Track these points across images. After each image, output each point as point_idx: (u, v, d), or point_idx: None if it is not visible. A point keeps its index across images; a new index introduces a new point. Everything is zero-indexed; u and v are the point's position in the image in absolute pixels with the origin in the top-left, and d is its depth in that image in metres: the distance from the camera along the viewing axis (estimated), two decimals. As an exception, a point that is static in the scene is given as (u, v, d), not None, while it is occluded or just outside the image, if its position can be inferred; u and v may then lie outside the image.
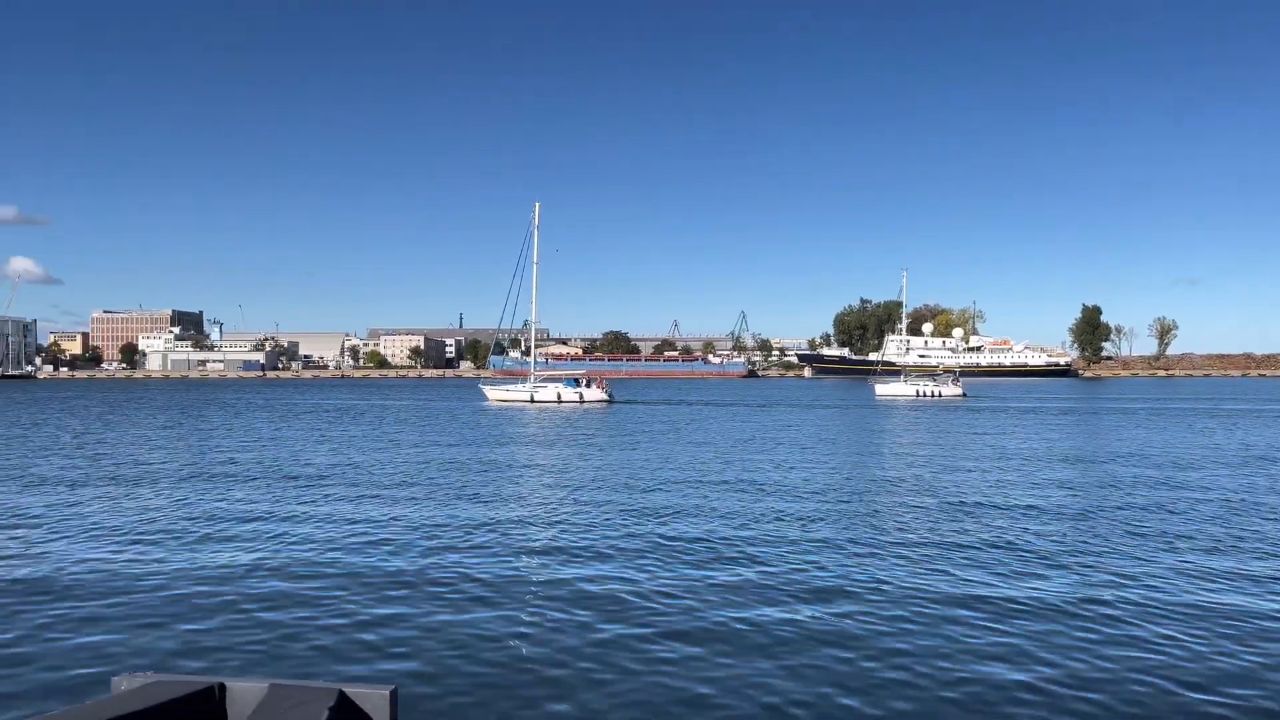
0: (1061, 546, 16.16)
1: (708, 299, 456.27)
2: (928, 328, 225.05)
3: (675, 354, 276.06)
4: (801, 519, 19.22)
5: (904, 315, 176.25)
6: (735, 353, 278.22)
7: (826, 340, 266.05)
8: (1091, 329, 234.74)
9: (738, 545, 16.20)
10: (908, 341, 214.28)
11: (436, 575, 13.99)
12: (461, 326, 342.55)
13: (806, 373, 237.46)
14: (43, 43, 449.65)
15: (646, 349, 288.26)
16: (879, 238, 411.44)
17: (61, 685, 9.15)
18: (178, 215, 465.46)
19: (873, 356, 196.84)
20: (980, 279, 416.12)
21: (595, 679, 9.42)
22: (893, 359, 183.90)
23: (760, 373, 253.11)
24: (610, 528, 18.06)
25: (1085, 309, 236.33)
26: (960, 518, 19.31)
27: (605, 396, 78.63)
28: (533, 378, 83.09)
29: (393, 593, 12.94)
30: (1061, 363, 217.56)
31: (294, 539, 17.01)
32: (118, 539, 17.10)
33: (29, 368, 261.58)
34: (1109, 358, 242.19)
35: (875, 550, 15.85)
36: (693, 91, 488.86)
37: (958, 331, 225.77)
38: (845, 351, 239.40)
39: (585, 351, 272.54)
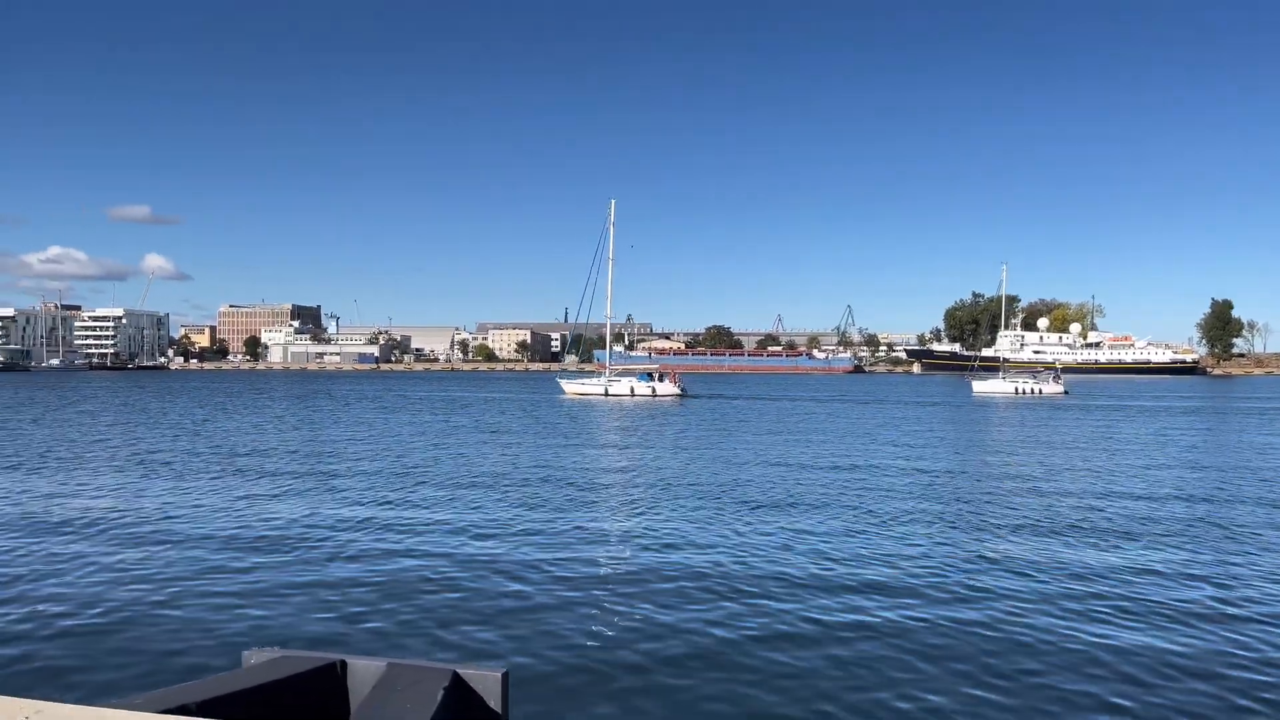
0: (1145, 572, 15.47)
1: (813, 293, 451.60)
2: (1043, 323, 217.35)
3: (779, 349, 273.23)
4: (833, 526, 18.90)
5: (1018, 310, 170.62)
6: (841, 348, 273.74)
7: (936, 336, 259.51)
8: (1222, 325, 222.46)
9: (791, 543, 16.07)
10: (1022, 337, 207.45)
11: (540, 561, 14.31)
12: (567, 321, 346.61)
13: (916, 369, 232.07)
14: (173, 49, 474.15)
15: (749, 344, 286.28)
16: (993, 232, 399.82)
17: (195, 659, 9.75)
18: (299, 214, 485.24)
19: (985, 352, 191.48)
20: (1101, 274, 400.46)
21: (703, 665, 9.51)
22: (1006, 355, 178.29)
23: (867, 369, 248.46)
24: (693, 516, 18.10)
25: (1215, 303, 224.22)
26: (1036, 536, 18.68)
27: (678, 390, 79.13)
28: (608, 372, 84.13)
29: (497, 576, 13.29)
30: (1188, 360, 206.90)
31: (400, 523, 17.61)
32: (237, 520, 18.03)
33: (162, 359, 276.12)
34: (1241, 355, 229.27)
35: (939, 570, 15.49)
36: (796, 86, 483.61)
37: (1075, 327, 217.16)
38: (956, 347, 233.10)
39: (688, 346, 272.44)
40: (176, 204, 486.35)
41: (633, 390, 78.59)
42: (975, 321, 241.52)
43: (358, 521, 18.12)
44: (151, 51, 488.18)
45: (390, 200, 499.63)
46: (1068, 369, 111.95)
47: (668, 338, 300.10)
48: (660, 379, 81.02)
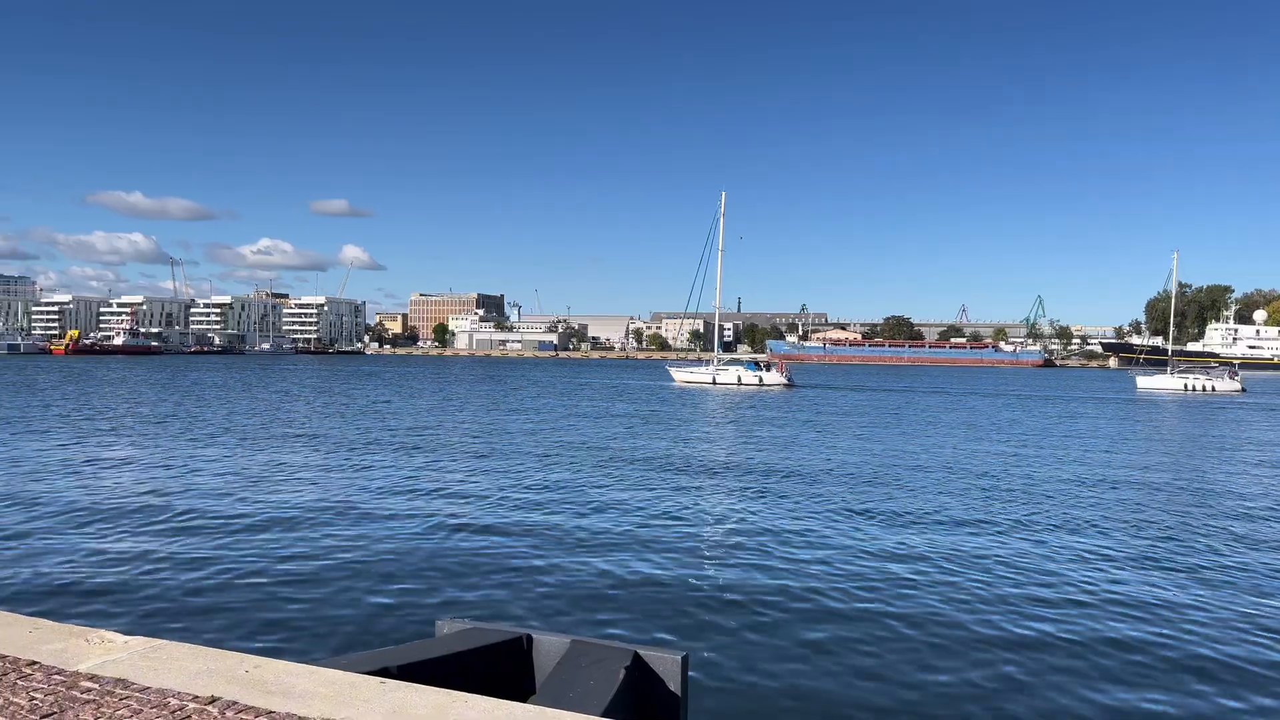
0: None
1: (999, 283, 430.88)
2: (1260, 315, 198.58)
3: (962, 341, 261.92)
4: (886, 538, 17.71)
5: (1230, 301, 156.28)
6: (1030, 341, 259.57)
7: (1136, 328, 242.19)
8: None
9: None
10: (1235, 331, 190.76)
11: (713, 546, 14.28)
12: (739, 310, 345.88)
13: (1112, 363, 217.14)
14: (365, 47, 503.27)
15: (931, 335, 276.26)
16: (1201, 218, 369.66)
17: (391, 626, 10.26)
18: (484, 207, 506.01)
19: (1192, 347, 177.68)
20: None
21: (883, 656, 9.23)
22: (1217, 350, 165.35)
23: (1058, 362, 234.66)
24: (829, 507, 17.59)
25: None
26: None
27: (785, 380, 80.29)
28: (715, 360, 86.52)
29: (678, 560, 13.37)
30: None
31: (578, 503, 18.01)
32: (424, 493, 18.92)
33: (358, 344, 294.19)
34: None
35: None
36: (979, 75, 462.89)
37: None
38: (1158, 341, 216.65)
39: (865, 337, 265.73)
40: (371, 197, 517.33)
41: (740, 379, 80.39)
42: (1181, 314, 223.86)
43: (537, 500, 18.68)
44: (345, 51, 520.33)
45: (570, 194, 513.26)
46: (1226, 364, 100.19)
47: (844, 328, 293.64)
48: (767, 368, 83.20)
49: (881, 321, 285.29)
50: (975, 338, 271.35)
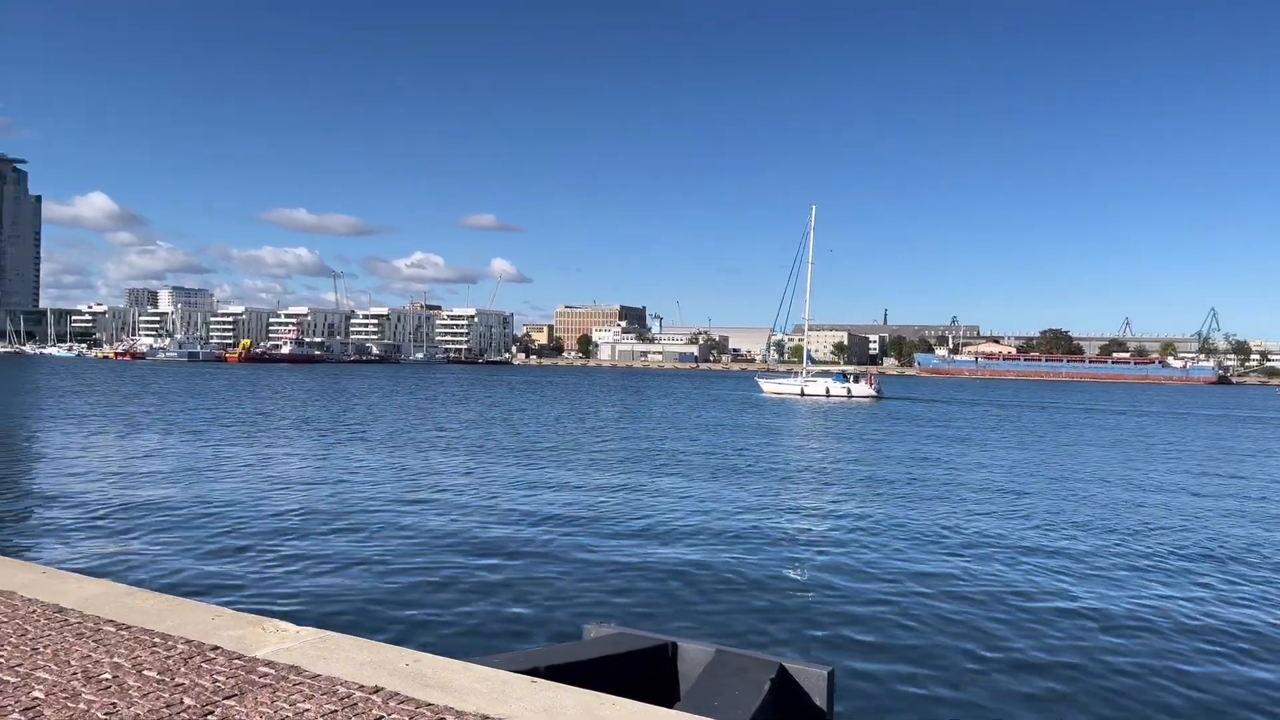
0: None
1: (1167, 295, 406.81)
2: None
3: (1125, 356, 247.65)
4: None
5: None
6: (1201, 356, 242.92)
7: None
8: None
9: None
10: None
11: (852, 554, 14.01)
12: (885, 323, 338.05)
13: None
14: (516, 67, 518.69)
15: (1091, 349, 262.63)
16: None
17: (540, 628, 10.50)
18: (627, 220, 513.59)
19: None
20: None
21: (1036, 671, 8.83)
22: None
23: (1235, 380, 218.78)
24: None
25: None
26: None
27: (873, 392, 79.40)
28: (805, 372, 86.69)
29: (822, 571, 13.18)
30: None
31: (721, 514, 17.98)
32: (568, 499, 19.27)
33: (506, 355, 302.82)
34: None
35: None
36: (1145, 74, 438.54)
37: None
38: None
39: (1020, 351, 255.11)
40: (518, 212, 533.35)
41: (828, 391, 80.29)
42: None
43: (681, 506, 18.78)
44: (494, 73, 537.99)
45: (713, 206, 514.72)
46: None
47: (997, 341, 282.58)
48: (856, 380, 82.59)
49: (1037, 335, 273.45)
50: (1140, 353, 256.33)
